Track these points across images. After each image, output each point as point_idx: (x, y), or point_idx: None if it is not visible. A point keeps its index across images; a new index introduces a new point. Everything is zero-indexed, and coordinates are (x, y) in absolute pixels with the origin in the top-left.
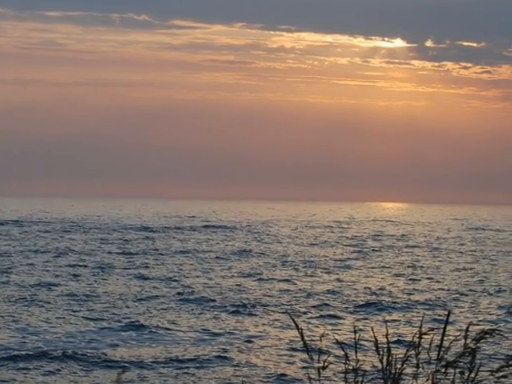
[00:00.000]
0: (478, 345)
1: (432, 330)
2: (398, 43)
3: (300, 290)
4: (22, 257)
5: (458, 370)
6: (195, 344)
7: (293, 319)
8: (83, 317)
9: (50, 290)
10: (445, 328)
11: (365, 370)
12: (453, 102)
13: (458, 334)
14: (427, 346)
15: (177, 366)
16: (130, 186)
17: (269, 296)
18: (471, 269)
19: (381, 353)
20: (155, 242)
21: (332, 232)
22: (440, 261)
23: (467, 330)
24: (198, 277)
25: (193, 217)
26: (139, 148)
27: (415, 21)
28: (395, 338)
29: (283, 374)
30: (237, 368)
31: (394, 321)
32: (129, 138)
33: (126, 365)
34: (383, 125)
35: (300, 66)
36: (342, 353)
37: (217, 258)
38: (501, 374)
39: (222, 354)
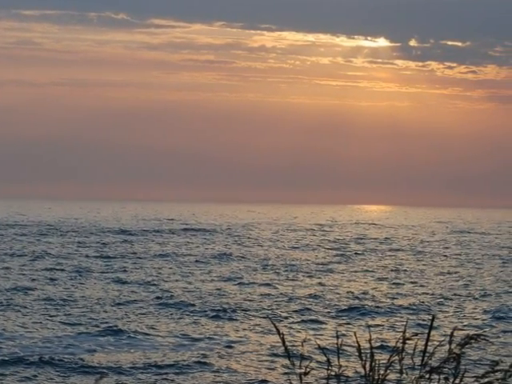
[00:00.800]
0: (463, 350)
1: (416, 335)
2: (382, 42)
3: (281, 294)
4: None
5: (442, 376)
6: (174, 349)
7: (274, 324)
8: (60, 321)
9: (26, 294)
10: (429, 333)
11: (347, 376)
12: (437, 103)
13: (442, 339)
14: (411, 352)
15: (156, 371)
16: (108, 188)
17: (249, 300)
18: (456, 273)
19: (364, 358)
20: (133, 246)
21: (314, 235)
22: (424, 264)
23: (452, 335)
24: (177, 281)
25: (172, 219)
26: (117, 149)
27: (399, 20)
28: (378, 344)
29: (264, 380)
30: (217, 374)
31: (377, 326)
32: (107, 139)
33: (104, 370)
34: (366, 126)
35: (281, 66)
36: (325, 358)
37: (196, 261)
38: (486, 380)
39: (202, 360)
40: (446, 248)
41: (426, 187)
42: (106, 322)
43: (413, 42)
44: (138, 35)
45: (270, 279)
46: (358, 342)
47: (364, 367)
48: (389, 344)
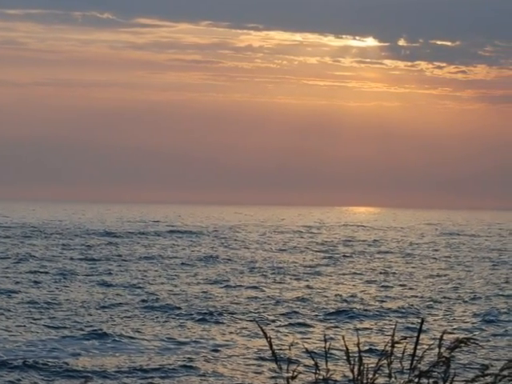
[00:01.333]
0: (453, 354)
1: (405, 338)
2: (370, 42)
3: (268, 297)
4: None
5: (431, 380)
6: (160, 353)
7: (261, 327)
8: (44, 325)
9: (9, 297)
10: (418, 336)
11: (335, 380)
12: (426, 103)
13: (431, 342)
14: (400, 355)
15: (141, 375)
16: (93, 189)
17: (236, 303)
18: (445, 275)
19: (352, 362)
20: (119, 248)
21: (301, 237)
22: (413, 267)
23: (441, 338)
24: (162, 284)
25: (157, 221)
26: (102, 150)
27: (387, 19)
28: (367, 347)
29: None
30: (203, 378)
31: (366, 329)
32: (92, 139)
33: (89, 374)
34: (354, 126)
35: (268, 66)
36: (312, 362)
37: (182, 264)
38: None
39: (188, 364)
40: (436, 250)
41: (415, 189)
42: (91, 326)
43: (402, 42)
44: (124, 35)
45: (256, 282)
46: (346, 345)
47: (352, 371)
48: (377, 348)
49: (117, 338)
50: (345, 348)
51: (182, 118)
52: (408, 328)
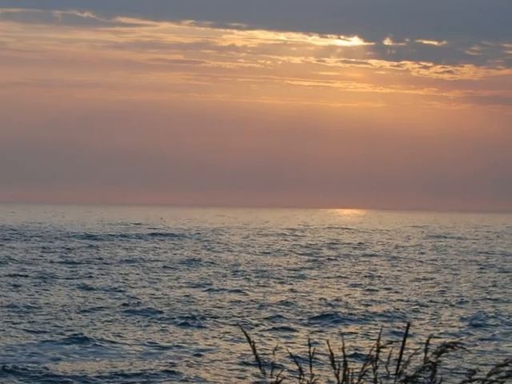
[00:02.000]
0: (439, 359)
1: (390, 342)
2: (355, 41)
3: (252, 301)
4: None
5: None
6: (141, 358)
7: (244, 332)
8: (24, 329)
9: None
10: (404, 341)
11: None
12: (412, 104)
13: (417, 347)
14: (385, 360)
15: (122, 380)
16: (74, 191)
17: (219, 307)
18: (432, 279)
19: (337, 367)
20: (99, 251)
21: (285, 240)
22: (399, 270)
23: (427, 343)
24: (144, 287)
25: (139, 224)
26: (83, 152)
27: (373, 18)
28: (352, 352)
29: None
30: (185, 383)
31: (351, 333)
32: (72, 141)
33: (69, 380)
34: (339, 127)
35: (252, 66)
36: (296, 367)
37: (164, 267)
38: None
39: (170, 369)
40: (422, 253)
41: (401, 190)
42: (71, 330)
43: (387, 41)
44: (104, 34)
45: (240, 285)
46: (330, 350)
47: (337, 376)
48: (362, 352)
49: (97, 343)
50: (329, 353)
51: (163, 118)
52: (394, 332)
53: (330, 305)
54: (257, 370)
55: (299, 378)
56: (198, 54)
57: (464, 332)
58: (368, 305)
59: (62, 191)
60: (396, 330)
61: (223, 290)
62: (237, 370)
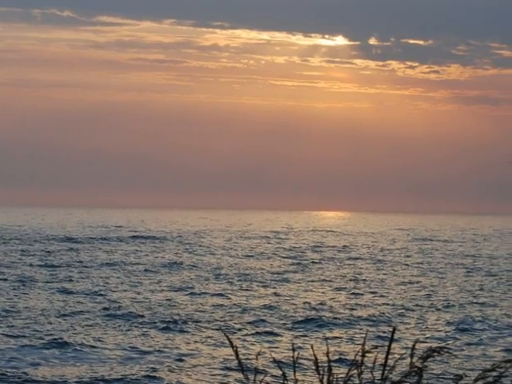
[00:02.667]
0: (425, 364)
1: (376, 347)
2: (340, 41)
3: (235, 305)
4: None
5: None
6: (122, 363)
7: (227, 336)
8: (2, 334)
9: None
10: (389, 346)
11: None
12: (398, 104)
13: (403, 352)
14: (371, 365)
15: None
16: (53, 193)
17: (201, 311)
18: (418, 282)
19: (321, 372)
20: (80, 254)
21: (269, 243)
22: (384, 274)
23: (413, 347)
24: (125, 291)
25: (120, 227)
26: (63, 153)
27: (358, 17)
28: (336, 357)
29: None
30: None
31: (336, 338)
32: (52, 142)
33: None
34: (323, 128)
35: (235, 66)
36: (280, 372)
37: (146, 270)
38: None
39: (151, 374)
40: (408, 256)
41: (387, 192)
42: (51, 334)
43: (372, 41)
44: (85, 33)
45: (222, 289)
46: (315, 354)
47: (321, 381)
48: (347, 357)
49: (78, 347)
50: (314, 357)
51: (144, 119)
52: (379, 337)
53: (314, 309)
54: (240, 376)
55: (283, 383)
56: (179, 54)
57: (450, 336)
58: (353, 309)
59: (42, 193)
60: (381, 334)
61: (205, 293)
62: (219, 375)
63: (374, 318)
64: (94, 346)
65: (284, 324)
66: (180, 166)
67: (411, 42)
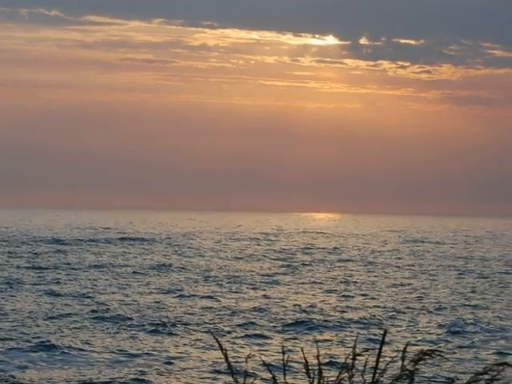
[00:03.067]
0: (417, 367)
1: (367, 350)
2: (330, 41)
3: (224, 307)
4: None
5: None
6: (110, 366)
7: (216, 339)
8: None
9: None
10: (380, 348)
11: None
12: (389, 104)
13: (394, 354)
14: (361, 368)
15: None
16: (41, 195)
17: (190, 314)
18: (409, 284)
19: (311, 375)
20: (67, 256)
21: (258, 245)
22: (375, 276)
23: (405, 350)
24: (113, 293)
25: (108, 228)
26: (50, 154)
27: (348, 16)
28: (327, 360)
29: None
30: None
31: (326, 341)
32: (39, 142)
33: None
34: (313, 129)
35: (224, 66)
36: (270, 375)
37: (134, 272)
38: None
39: (140, 377)
40: (399, 258)
41: (377, 194)
42: (39, 337)
43: (363, 40)
44: (72, 33)
45: (211, 291)
46: (305, 358)
47: None
48: (338, 360)
49: (65, 350)
50: (304, 360)
51: (133, 119)
52: (370, 339)
53: (304, 311)
54: (229, 379)
55: None
56: (168, 54)
57: (442, 339)
58: (343, 311)
59: (29, 195)
60: (372, 337)
61: (194, 296)
62: (208, 378)
63: (365, 321)
64: (81, 349)
65: (274, 327)
66: (169, 166)
67: (402, 41)
